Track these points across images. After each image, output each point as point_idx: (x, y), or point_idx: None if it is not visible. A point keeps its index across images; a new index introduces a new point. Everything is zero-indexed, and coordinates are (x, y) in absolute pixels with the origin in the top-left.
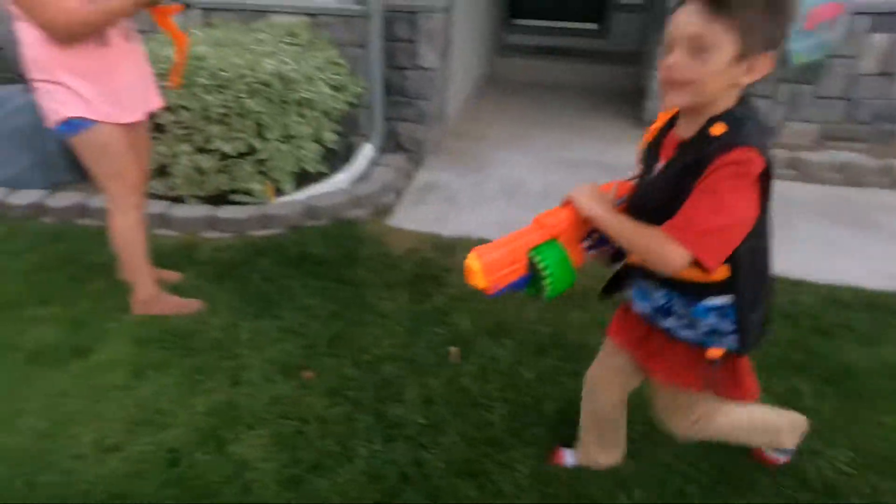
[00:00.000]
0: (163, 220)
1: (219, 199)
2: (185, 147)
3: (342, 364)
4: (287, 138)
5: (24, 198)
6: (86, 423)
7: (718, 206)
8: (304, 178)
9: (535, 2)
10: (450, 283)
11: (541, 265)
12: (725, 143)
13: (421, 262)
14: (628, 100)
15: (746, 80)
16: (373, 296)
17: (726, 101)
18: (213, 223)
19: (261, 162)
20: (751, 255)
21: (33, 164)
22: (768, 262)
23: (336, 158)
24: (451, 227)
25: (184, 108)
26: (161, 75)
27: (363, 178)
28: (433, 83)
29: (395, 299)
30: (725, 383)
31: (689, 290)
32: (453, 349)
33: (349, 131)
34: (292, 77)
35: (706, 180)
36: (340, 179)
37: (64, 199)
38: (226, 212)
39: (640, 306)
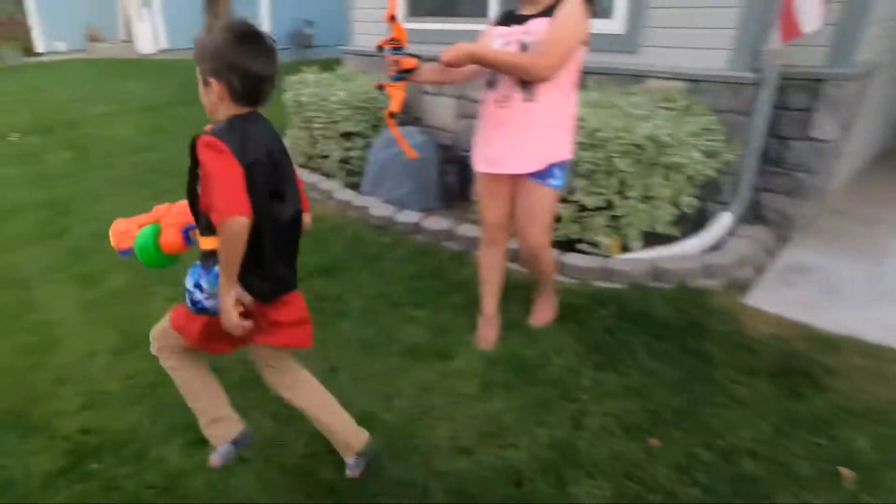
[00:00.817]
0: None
1: (566, 245)
2: None
3: (691, 442)
4: (646, 198)
5: (407, 217)
6: (443, 419)
7: None
8: (651, 238)
9: None
10: (834, 388)
11: (135, 242)
12: None
13: (789, 354)
14: None
15: None
16: (724, 376)
17: None
18: (559, 267)
19: (614, 217)
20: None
21: (415, 189)
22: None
23: (688, 222)
24: (829, 321)
25: None
26: None
27: (716, 246)
28: (823, 156)
29: (754, 387)
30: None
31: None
32: (846, 472)
33: (707, 196)
34: (666, 141)
35: None
36: (691, 245)
37: (436, 223)
38: (572, 258)
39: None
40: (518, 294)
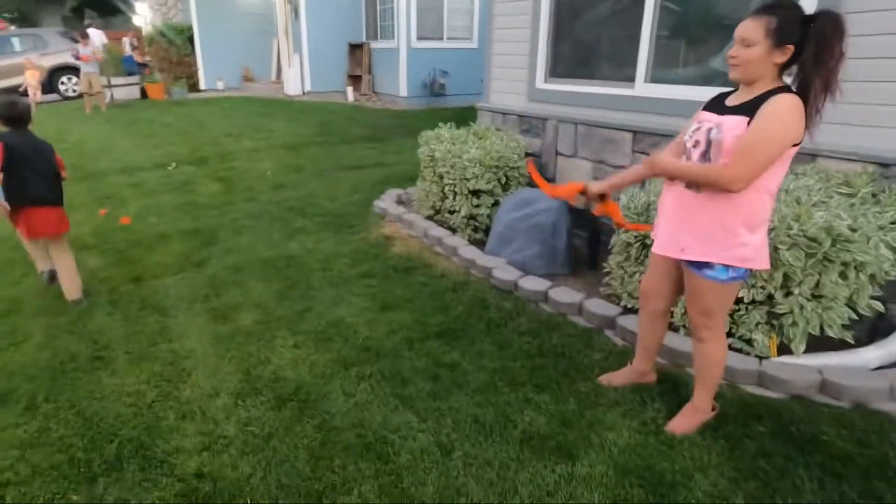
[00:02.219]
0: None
1: None
2: None
3: None
4: (816, 296)
5: (533, 284)
6: None
7: None
8: (818, 342)
9: None
10: None
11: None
12: None
13: None
14: None
15: None
16: None
17: None
18: None
19: (774, 314)
20: None
21: (541, 253)
22: None
23: (863, 326)
24: None
25: None
26: None
27: None
28: None
29: None
30: None
31: None
32: None
33: (891, 298)
34: (846, 235)
35: None
36: (871, 357)
37: (564, 294)
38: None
39: None
40: (672, 389)
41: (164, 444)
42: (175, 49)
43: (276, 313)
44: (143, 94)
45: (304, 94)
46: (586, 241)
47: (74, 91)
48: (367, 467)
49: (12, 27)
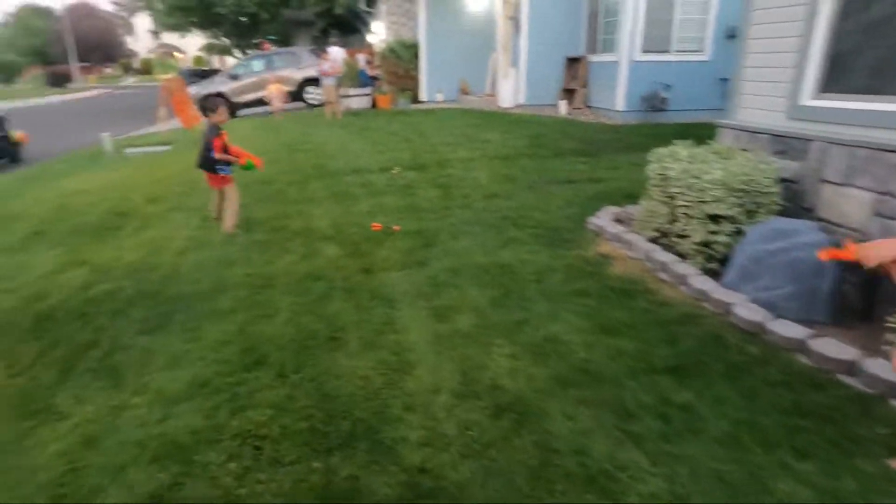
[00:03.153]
0: None
1: None
2: None
3: None
4: None
5: (787, 329)
6: None
7: None
8: None
9: None
10: None
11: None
12: None
13: None
14: None
15: None
16: None
17: None
18: None
19: None
20: None
21: (796, 295)
22: None
23: None
24: None
25: None
26: None
27: None
28: None
29: None
30: None
31: None
32: None
33: None
34: None
35: None
36: None
37: (833, 347)
38: None
39: None
40: None
41: (391, 432)
42: (402, 63)
43: (491, 319)
44: (374, 104)
45: (516, 106)
46: (858, 286)
47: (317, 100)
48: (592, 500)
49: (273, 48)
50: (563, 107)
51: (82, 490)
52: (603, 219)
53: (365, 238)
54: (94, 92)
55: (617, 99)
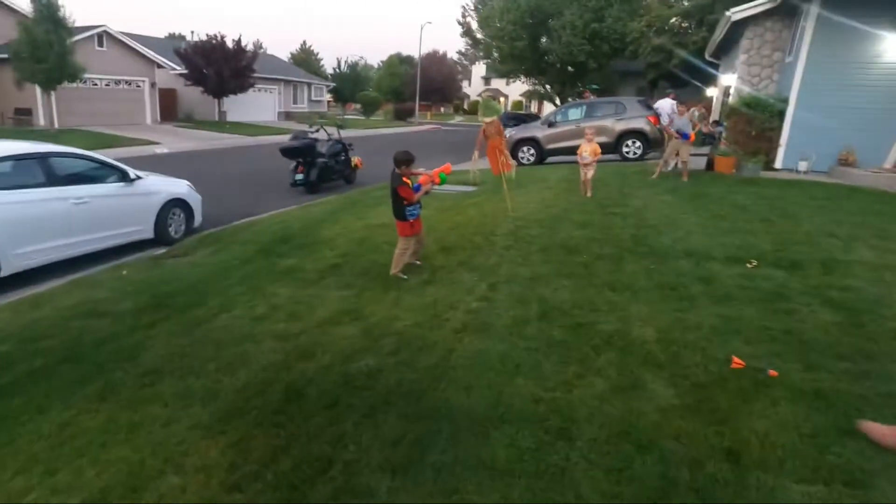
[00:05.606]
0: None
1: None
2: None
3: None
4: None
5: None
6: None
7: None
8: None
9: None
10: None
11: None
12: None
13: None
14: None
15: None
16: None
17: None
18: None
19: None
20: None
21: None
22: None
23: None
24: None
25: None
26: None
27: None
28: None
29: None
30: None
31: None
32: None
33: None
34: None
35: None
36: None
37: None
38: None
39: None
40: None
41: None
42: (758, 121)
43: None
44: (709, 166)
45: None
46: None
47: (635, 154)
48: None
49: (592, 97)
50: None
51: None
52: None
53: (717, 379)
54: (427, 126)
55: None
